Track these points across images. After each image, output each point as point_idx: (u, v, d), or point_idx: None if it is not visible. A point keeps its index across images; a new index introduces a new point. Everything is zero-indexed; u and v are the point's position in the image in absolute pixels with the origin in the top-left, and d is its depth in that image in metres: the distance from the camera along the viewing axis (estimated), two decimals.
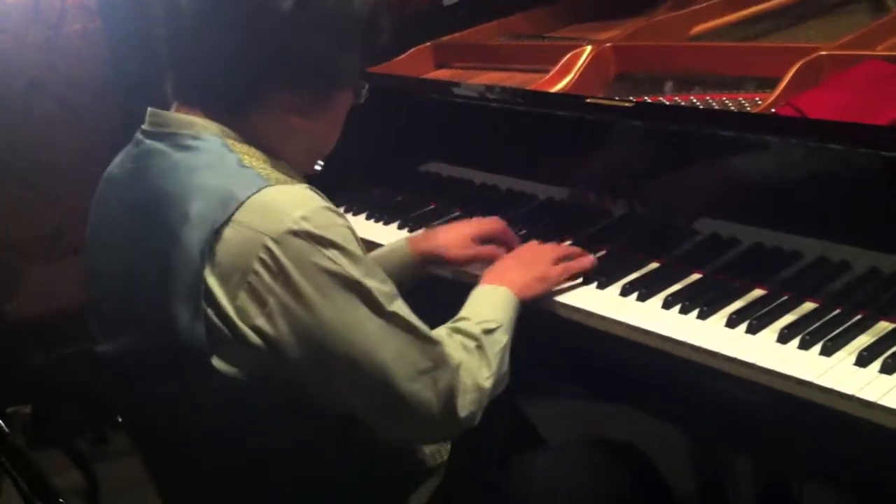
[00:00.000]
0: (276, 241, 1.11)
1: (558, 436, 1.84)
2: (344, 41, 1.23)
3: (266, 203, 1.13)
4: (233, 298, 1.11)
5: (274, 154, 1.25)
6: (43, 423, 2.95)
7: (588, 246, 1.71)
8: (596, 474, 1.52)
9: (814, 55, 1.67)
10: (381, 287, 1.19)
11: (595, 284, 1.59)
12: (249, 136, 1.23)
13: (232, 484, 1.26)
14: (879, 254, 1.38)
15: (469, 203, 1.97)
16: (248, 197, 1.13)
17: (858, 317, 1.37)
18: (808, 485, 1.89)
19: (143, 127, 1.27)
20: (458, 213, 1.98)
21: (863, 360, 1.28)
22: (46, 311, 2.73)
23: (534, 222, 1.84)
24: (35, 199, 3.24)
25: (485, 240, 1.65)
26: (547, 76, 1.94)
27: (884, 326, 1.35)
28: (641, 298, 1.53)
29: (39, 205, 3.25)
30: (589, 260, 1.60)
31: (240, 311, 1.12)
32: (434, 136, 2.05)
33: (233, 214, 1.12)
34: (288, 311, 1.12)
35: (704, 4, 2.14)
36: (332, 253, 1.13)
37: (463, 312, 1.40)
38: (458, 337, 1.31)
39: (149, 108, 1.27)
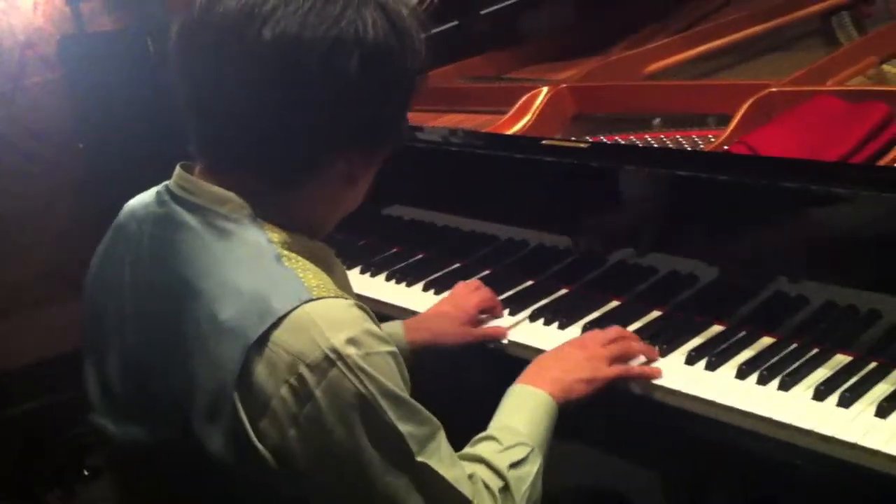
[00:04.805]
0: (310, 368, 1.02)
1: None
2: (402, 99, 1.16)
3: (304, 322, 1.03)
4: (254, 421, 1.03)
5: (305, 229, 1.16)
6: (14, 477, 2.91)
7: (548, 286, 1.72)
8: None
9: (765, 91, 1.69)
10: (414, 431, 1.08)
11: (556, 325, 1.60)
12: (285, 212, 1.13)
13: None
14: (835, 287, 1.39)
15: (432, 245, 1.98)
16: (287, 313, 1.03)
17: (815, 350, 1.39)
18: None
19: (169, 186, 1.16)
20: (421, 256, 1.98)
21: (820, 393, 1.29)
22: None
23: (496, 263, 1.85)
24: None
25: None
26: (504, 118, 1.95)
27: (840, 360, 1.36)
28: None
29: None
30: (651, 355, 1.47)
31: (261, 436, 1.04)
32: (396, 180, 2.04)
33: (269, 332, 1.02)
34: (309, 445, 1.04)
35: (659, 43, 2.17)
36: (368, 388, 1.04)
37: (493, 426, 1.28)
38: (485, 472, 1.19)
39: (178, 166, 1.15)
